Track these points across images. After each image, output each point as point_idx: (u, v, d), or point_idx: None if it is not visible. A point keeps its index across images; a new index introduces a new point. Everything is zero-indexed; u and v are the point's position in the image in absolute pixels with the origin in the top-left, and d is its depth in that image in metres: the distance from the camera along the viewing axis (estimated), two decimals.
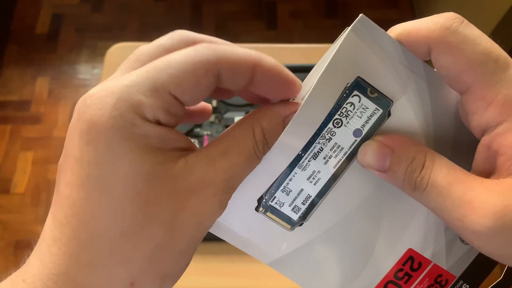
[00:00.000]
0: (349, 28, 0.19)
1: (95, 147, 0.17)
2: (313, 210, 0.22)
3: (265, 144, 0.20)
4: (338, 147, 0.21)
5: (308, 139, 0.20)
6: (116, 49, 0.68)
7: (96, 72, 1.46)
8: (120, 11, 1.58)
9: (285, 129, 0.20)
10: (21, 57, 1.48)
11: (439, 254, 0.23)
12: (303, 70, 0.65)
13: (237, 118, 0.59)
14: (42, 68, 1.47)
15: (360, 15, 0.19)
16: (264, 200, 0.21)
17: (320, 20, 1.58)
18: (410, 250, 0.23)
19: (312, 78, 0.21)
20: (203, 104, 0.24)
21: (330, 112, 0.20)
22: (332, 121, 0.20)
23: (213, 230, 0.22)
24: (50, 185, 1.27)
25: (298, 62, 0.67)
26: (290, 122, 0.20)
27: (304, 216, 0.22)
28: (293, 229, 0.22)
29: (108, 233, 0.17)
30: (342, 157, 0.21)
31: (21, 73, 1.46)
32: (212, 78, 0.18)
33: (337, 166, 0.21)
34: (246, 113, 0.55)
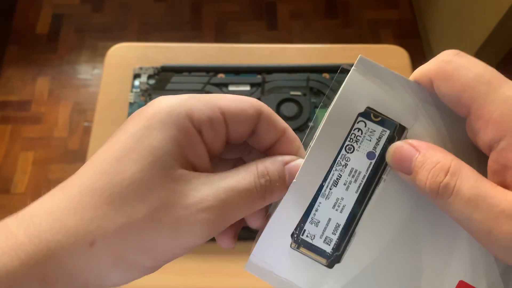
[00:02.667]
0: (352, 67, 0.21)
1: (136, 123, 0.21)
2: (345, 241, 0.21)
3: (268, 181, 0.21)
4: (355, 171, 0.21)
5: (328, 168, 0.21)
6: (116, 49, 0.68)
7: (96, 72, 1.46)
8: (120, 11, 1.58)
9: (303, 162, 0.21)
10: (22, 57, 1.48)
11: (495, 286, 0.21)
12: (303, 70, 0.65)
13: None
14: (42, 68, 1.47)
15: (359, 56, 0.21)
16: (295, 235, 0.22)
17: (320, 20, 1.58)
18: (461, 282, 0.21)
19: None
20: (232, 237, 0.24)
21: (343, 141, 0.21)
22: (344, 147, 0.21)
23: (252, 270, 0.22)
24: (50, 185, 1.26)
25: (298, 62, 0.67)
26: (307, 155, 0.21)
27: (337, 248, 0.21)
28: (332, 266, 0.21)
29: (99, 192, 0.19)
30: (362, 181, 0.21)
31: (21, 73, 1.46)
32: (255, 113, 0.22)
33: (359, 190, 0.21)
34: None
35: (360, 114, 0.21)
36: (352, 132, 0.21)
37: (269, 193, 0.21)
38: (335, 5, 1.61)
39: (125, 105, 0.62)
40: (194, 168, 0.21)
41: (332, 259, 0.21)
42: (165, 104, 0.21)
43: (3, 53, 1.48)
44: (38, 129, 1.36)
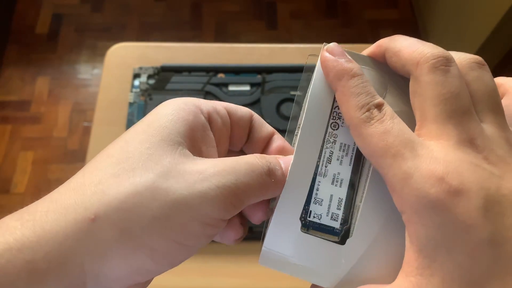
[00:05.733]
0: (319, 58, 0.22)
1: (147, 115, 0.21)
2: (350, 213, 0.22)
3: (268, 162, 0.21)
4: (345, 146, 0.22)
5: (319, 148, 0.22)
6: (116, 49, 0.68)
7: (96, 72, 1.46)
8: (120, 11, 1.58)
9: (296, 145, 0.22)
10: (21, 57, 1.48)
11: None
12: (303, 70, 0.65)
13: None
14: (42, 68, 1.47)
15: (323, 43, 0.23)
16: (302, 218, 0.22)
17: (320, 20, 1.58)
18: None
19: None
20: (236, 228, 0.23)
21: (327, 120, 0.22)
22: (329, 125, 0.22)
23: (266, 263, 0.22)
24: (50, 185, 1.26)
25: (298, 62, 0.67)
26: (298, 140, 0.22)
27: (345, 221, 0.22)
28: (344, 241, 0.22)
29: (103, 170, 0.19)
30: (352, 153, 0.22)
31: (21, 73, 1.46)
32: (249, 113, 0.24)
33: (352, 163, 0.22)
34: None
35: None
36: (333, 110, 0.22)
37: (273, 171, 0.21)
38: (335, 4, 1.61)
39: (125, 105, 0.62)
40: (201, 155, 0.21)
41: (343, 234, 0.22)
42: (172, 99, 0.22)
43: (2, 53, 1.48)
44: (37, 129, 1.36)
